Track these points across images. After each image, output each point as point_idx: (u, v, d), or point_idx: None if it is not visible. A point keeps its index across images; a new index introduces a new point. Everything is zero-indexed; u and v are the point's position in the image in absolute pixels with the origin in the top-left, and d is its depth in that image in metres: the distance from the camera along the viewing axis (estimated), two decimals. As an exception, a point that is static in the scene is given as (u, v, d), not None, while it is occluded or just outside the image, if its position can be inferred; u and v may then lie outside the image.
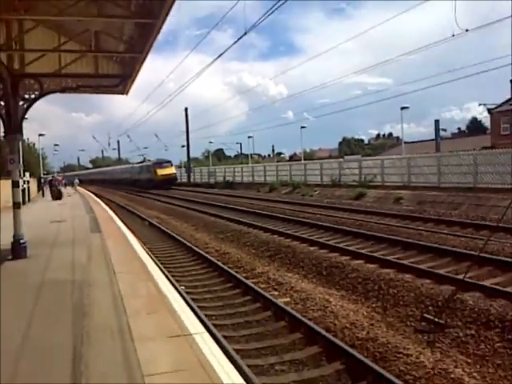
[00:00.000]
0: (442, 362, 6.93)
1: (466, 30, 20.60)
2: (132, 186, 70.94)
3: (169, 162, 68.93)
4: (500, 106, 55.82)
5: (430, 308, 9.02)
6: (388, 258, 12.79)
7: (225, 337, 7.95)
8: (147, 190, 57.83)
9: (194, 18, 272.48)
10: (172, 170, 67.01)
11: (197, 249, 16.08)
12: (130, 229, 17.48)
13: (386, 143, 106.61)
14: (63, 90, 13.75)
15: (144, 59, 11.97)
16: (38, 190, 49.20)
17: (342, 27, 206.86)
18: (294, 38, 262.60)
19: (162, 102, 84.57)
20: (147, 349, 5.24)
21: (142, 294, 7.61)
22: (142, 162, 79.12)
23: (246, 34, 16.94)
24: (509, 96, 54.70)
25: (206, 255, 14.83)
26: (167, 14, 9.08)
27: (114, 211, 25.63)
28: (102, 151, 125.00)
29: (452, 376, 6.47)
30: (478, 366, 6.92)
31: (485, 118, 71.24)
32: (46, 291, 8.09)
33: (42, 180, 52.20)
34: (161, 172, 64.61)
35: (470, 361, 7.10)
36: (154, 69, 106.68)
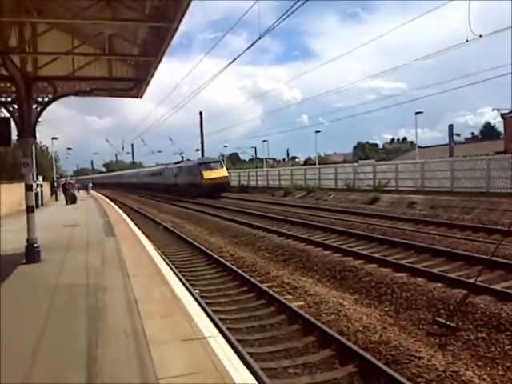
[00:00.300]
0: (454, 365, 6.98)
1: (480, 36, 20.37)
2: (165, 193, 57.61)
3: (218, 161, 53.32)
4: (513, 110, 55.31)
5: (442, 311, 9.04)
6: (401, 262, 12.72)
7: (239, 340, 7.93)
8: (189, 199, 44.96)
9: (208, 20, 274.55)
10: (224, 173, 50.08)
11: (211, 253, 16.06)
12: (144, 232, 17.51)
13: (400, 148, 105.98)
14: (77, 93, 13.78)
15: (158, 63, 11.95)
16: (52, 194, 49.52)
17: (356, 32, 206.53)
18: (309, 42, 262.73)
19: (177, 106, 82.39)
20: (161, 352, 5.24)
21: (157, 298, 7.60)
22: (179, 162, 61.72)
23: (260, 38, 16.86)
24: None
25: (221, 259, 14.80)
26: (182, 18, 9.04)
27: (127, 215, 25.73)
28: (116, 155, 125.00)
29: (463, 378, 6.54)
30: (488, 369, 6.97)
31: (498, 122, 70.56)
32: (59, 295, 8.11)
33: (55, 184, 52.41)
34: (209, 175, 48.19)
35: (480, 363, 7.15)
36: (168, 72, 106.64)
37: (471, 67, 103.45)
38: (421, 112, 43.95)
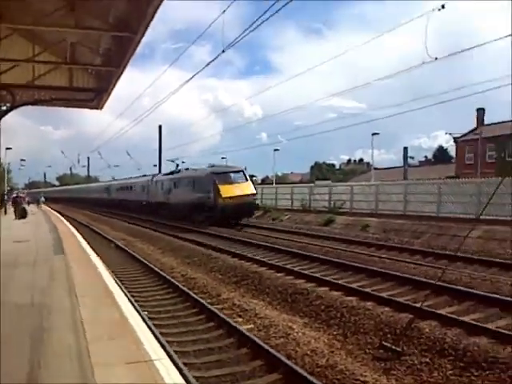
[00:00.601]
0: (397, 390, 7.08)
1: (436, 59, 20.97)
2: (151, 215, 43.11)
3: (241, 171, 35.41)
4: (465, 135, 57.34)
5: (389, 336, 9.16)
6: (352, 285, 12.89)
7: (185, 364, 7.82)
8: (195, 226, 31.85)
9: (170, 30, 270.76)
10: (250, 189, 33.61)
11: (162, 273, 15.92)
12: (94, 250, 17.18)
13: (357, 169, 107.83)
14: (36, 103, 13.51)
15: (121, 73, 11.81)
16: (0, 208, 47.71)
17: (318, 48, 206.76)
18: (270, 56, 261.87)
19: (137, 119, 78.93)
20: (106, 375, 5.13)
21: (105, 319, 7.43)
22: (174, 173, 42.95)
23: (223, 51, 16.86)
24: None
25: (172, 280, 14.66)
26: (146, 29, 8.98)
27: (78, 231, 25.17)
28: (71, 168, 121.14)
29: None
30: (429, 394, 7.12)
31: (451, 146, 72.95)
32: (3, 315, 7.85)
33: (6, 197, 50.45)
34: (228, 191, 31.74)
35: (423, 388, 7.30)
36: (129, 82, 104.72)
37: (429, 89, 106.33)
38: (377, 133, 45.15)
